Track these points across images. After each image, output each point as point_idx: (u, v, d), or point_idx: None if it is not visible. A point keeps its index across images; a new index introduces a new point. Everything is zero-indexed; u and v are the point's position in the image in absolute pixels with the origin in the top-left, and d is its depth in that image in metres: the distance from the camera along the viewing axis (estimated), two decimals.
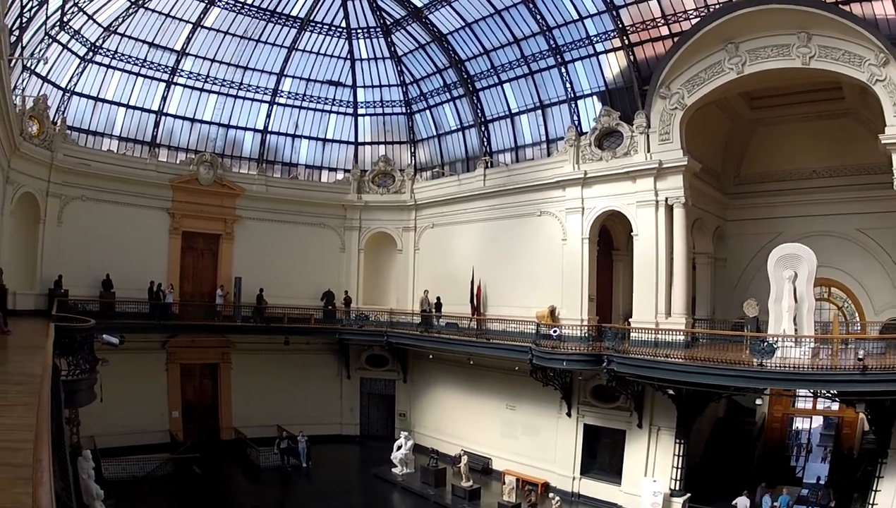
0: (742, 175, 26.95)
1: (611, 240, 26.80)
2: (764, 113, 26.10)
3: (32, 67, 25.88)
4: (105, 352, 16.71)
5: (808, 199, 24.39)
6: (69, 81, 28.25)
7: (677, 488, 20.65)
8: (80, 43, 27.72)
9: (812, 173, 24.79)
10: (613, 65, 25.37)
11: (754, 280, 24.74)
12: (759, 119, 26.36)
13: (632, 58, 24.09)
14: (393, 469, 26.84)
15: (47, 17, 24.12)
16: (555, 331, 22.80)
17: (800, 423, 26.40)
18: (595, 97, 26.08)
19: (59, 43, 26.68)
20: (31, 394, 7.25)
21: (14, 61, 22.67)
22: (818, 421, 27.30)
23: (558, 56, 26.17)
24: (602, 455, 24.23)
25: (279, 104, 33.86)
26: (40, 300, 25.67)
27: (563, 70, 26.43)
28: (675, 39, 22.30)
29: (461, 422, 28.98)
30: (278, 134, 34.49)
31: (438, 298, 29.74)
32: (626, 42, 24.01)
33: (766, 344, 16.80)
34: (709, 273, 26.09)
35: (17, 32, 21.24)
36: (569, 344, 22.23)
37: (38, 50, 25.24)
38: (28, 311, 24.04)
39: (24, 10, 21.02)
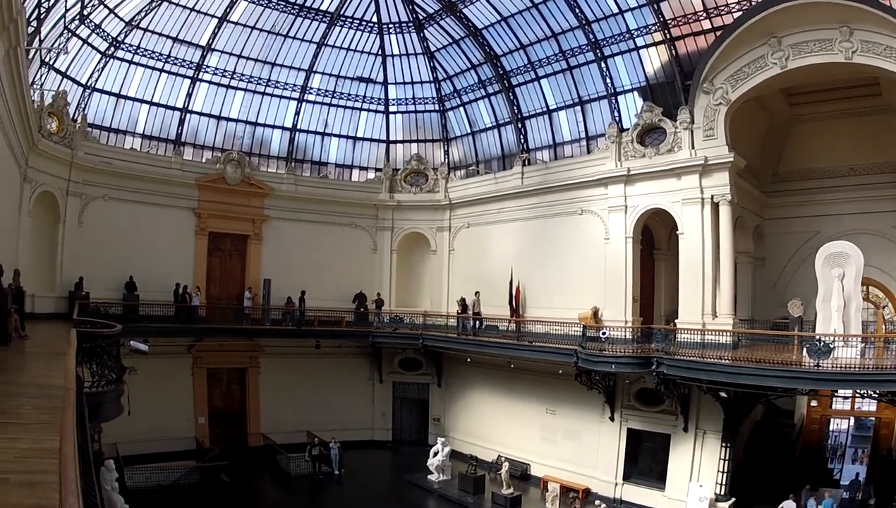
0: (780, 172, 27.71)
1: (652, 238, 27.62)
2: (802, 109, 26.93)
3: (51, 62, 26.47)
4: (131, 359, 16.73)
5: (845, 197, 25.12)
6: (90, 77, 28.98)
7: (722, 493, 21.49)
8: (101, 38, 28.37)
9: (849, 170, 25.55)
10: (654, 59, 26.28)
11: (793, 279, 25.73)
12: (797, 115, 27.17)
13: (673, 52, 24.98)
14: (429, 476, 27.40)
15: (66, 10, 24.51)
16: (603, 333, 23.55)
17: (835, 425, 26.99)
18: (636, 93, 27.00)
19: (79, 37, 27.26)
20: (51, 410, 6.98)
21: (32, 55, 22.86)
22: (847, 424, 27.88)
23: (598, 50, 27.11)
24: (644, 460, 25.04)
25: (308, 101, 34.92)
26: (60, 303, 26.29)
27: (603, 65, 27.36)
28: (718, 33, 23.22)
29: (498, 427, 29.87)
30: (307, 132, 35.58)
31: (476, 299, 30.48)
32: (668, 36, 24.92)
33: (822, 344, 17.36)
34: (749, 272, 26.83)
35: (34, 24, 21.47)
36: (615, 347, 22.94)
37: (57, 44, 25.56)
38: (47, 315, 24.53)
39: (42, 2, 21.36)
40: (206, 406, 31.22)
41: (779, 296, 25.42)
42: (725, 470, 21.71)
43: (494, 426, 30.14)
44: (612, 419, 25.46)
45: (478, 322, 29.70)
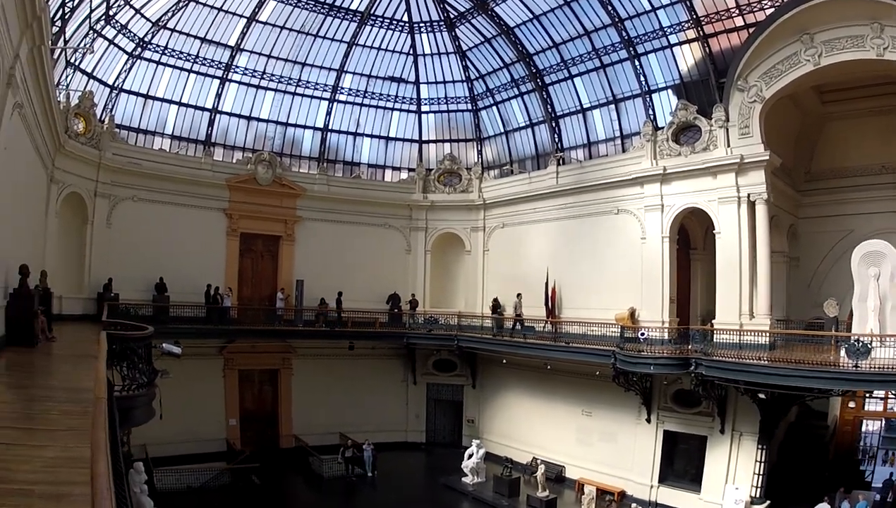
0: (812, 171, 27.84)
1: (688, 238, 27.89)
2: (834, 107, 27.01)
3: (77, 63, 26.80)
4: (163, 363, 16.63)
5: (877, 195, 25.22)
6: (116, 78, 29.54)
7: (757, 495, 21.73)
8: (128, 38, 28.90)
9: (881, 168, 25.63)
10: (688, 57, 26.55)
11: (827, 279, 25.86)
12: (829, 113, 27.26)
13: (707, 49, 25.26)
14: (463, 479, 27.76)
15: (91, 11, 24.82)
16: (642, 334, 23.88)
17: (866, 426, 26.99)
18: (670, 91, 27.31)
19: (105, 38, 27.66)
20: (80, 415, 6.87)
21: (57, 56, 23.05)
22: (879, 425, 27.83)
23: (631, 48, 27.45)
24: (679, 463, 25.36)
25: (339, 101, 35.63)
26: (88, 304, 26.79)
27: (636, 63, 27.71)
28: (751, 30, 23.43)
29: (533, 429, 30.36)
30: (339, 132, 36.29)
31: (518, 302, 30.51)
32: (701, 33, 25.20)
33: (861, 344, 17.51)
34: (784, 272, 26.92)
35: (58, 24, 21.60)
36: (653, 348, 23.25)
37: (82, 44, 25.80)
38: (75, 316, 25.05)
39: (66, 2, 21.57)
40: (237, 407, 31.84)
41: (812, 296, 25.60)
42: (761, 473, 21.97)
43: (529, 428, 30.59)
44: (648, 420, 25.77)
45: (518, 324, 29.87)
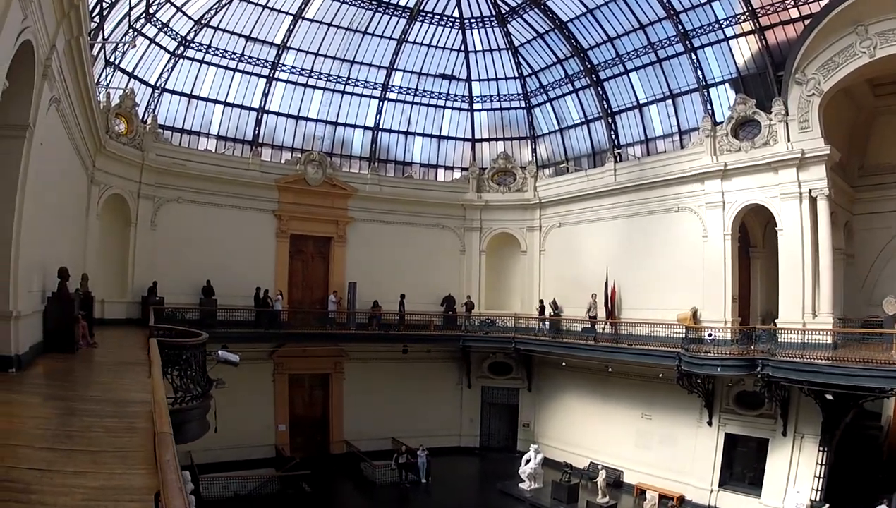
0: (865, 166, 28.43)
1: (747, 235, 28.60)
2: (887, 100, 27.64)
3: (117, 62, 27.58)
4: (217, 371, 15.94)
5: None
6: (159, 78, 30.48)
7: (818, 498, 22.36)
8: (170, 37, 29.79)
9: None
10: (745, 50, 27.45)
11: (882, 275, 26.57)
12: (882, 107, 27.90)
13: (763, 42, 26.12)
14: (520, 485, 28.47)
15: (131, 8, 25.36)
16: (710, 335, 24.72)
17: None
18: (727, 85, 28.21)
19: (146, 37, 28.47)
20: (126, 433, 6.80)
21: (97, 52, 23.56)
22: None
23: (687, 42, 28.42)
24: (738, 466, 26.08)
25: (390, 100, 37.04)
26: (132, 308, 27.68)
27: (693, 56, 28.66)
28: (806, 22, 24.27)
29: (590, 433, 31.31)
30: (390, 131, 37.67)
31: (594, 302, 31.04)
32: (757, 25, 26.10)
33: None
34: (841, 269, 27.17)
35: (97, 20, 21.87)
36: (719, 349, 23.99)
37: (122, 43, 26.33)
38: (118, 321, 25.65)
39: None
40: (287, 413, 32.72)
41: (867, 294, 26.40)
42: (822, 475, 22.63)
43: (586, 431, 31.54)
44: (709, 423, 26.56)
45: (592, 325, 30.43)
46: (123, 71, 28.66)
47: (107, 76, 27.29)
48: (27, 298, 12.89)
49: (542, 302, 33.78)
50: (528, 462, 28.78)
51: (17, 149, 11.93)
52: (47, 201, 15.82)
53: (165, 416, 6.72)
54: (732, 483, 25.71)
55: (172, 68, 30.89)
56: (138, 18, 27.21)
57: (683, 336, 25.22)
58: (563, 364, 31.81)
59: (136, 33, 27.17)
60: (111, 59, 27.25)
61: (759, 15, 25.85)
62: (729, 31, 27.31)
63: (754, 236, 28.71)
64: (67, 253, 20.10)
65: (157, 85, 30.71)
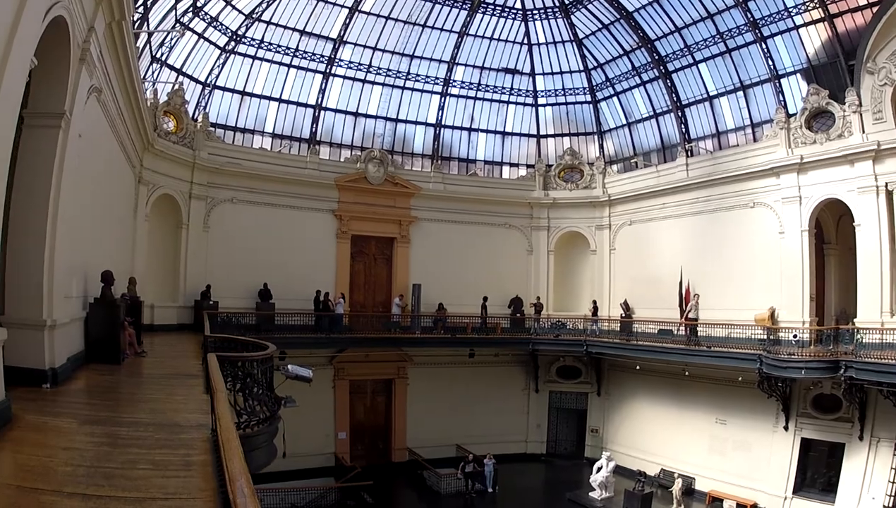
0: None
1: (821, 231, 29.06)
2: None
3: (164, 58, 28.40)
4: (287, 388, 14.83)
5: None
6: (209, 74, 31.43)
7: (892, 505, 22.89)
8: (220, 32, 30.66)
9: None
10: (815, 38, 28.18)
11: None
12: None
13: (833, 30, 26.87)
14: (590, 493, 29.23)
15: (177, 2, 26.27)
16: (795, 336, 25.26)
17: None
18: (799, 75, 29.00)
19: (194, 31, 29.35)
20: (181, 470, 6.37)
21: (142, 45, 23.95)
22: None
23: (756, 31, 29.28)
24: (811, 471, 26.61)
25: (452, 95, 38.39)
26: (183, 313, 28.45)
27: (763, 46, 29.49)
28: (875, 9, 24.87)
29: (661, 439, 32.05)
30: (452, 127, 39.00)
31: (695, 303, 30.89)
32: (826, 13, 26.86)
33: None
34: None
35: (141, 10, 22.35)
36: (802, 350, 24.46)
37: (168, 37, 27.39)
38: (169, 326, 26.45)
39: None
40: (347, 420, 33.64)
41: None
42: None
43: (657, 437, 32.30)
44: (786, 428, 27.14)
45: (689, 329, 30.17)
46: (171, 67, 29.62)
47: (153, 72, 28.18)
48: (65, 305, 12.59)
49: (594, 303, 35.22)
50: (599, 469, 29.39)
51: (52, 140, 11.58)
52: (89, 200, 15.91)
53: (231, 431, 5.78)
54: (806, 490, 26.22)
55: (223, 64, 31.91)
56: (185, 12, 28.20)
57: (765, 337, 25.86)
58: (638, 367, 32.48)
59: (183, 28, 28.22)
60: (157, 55, 28.11)
61: (827, 2, 26.54)
62: (798, 20, 28.07)
63: (828, 232, 29.18)
64: (113, 255, 20.36)
65: (208, 82, 31.76)
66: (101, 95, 15.96)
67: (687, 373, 30.09)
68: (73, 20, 11.42)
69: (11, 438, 7.20)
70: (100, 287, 15.19)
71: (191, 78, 31.02)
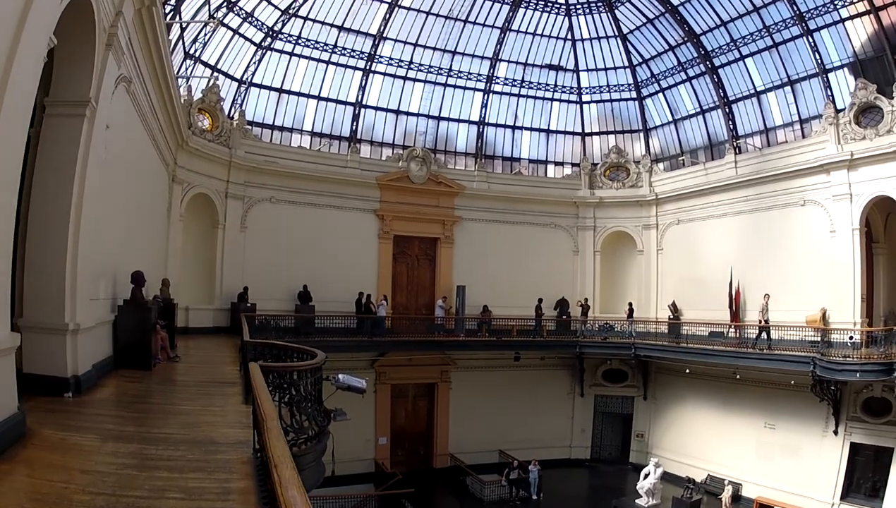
0: None
1: (869, 230, 29.03)
2: None
3: (197, 54, 28.68)
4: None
5: None
6: (245, 71, 31.84)
7: None
8: (255, 27, 31.09)
9: None
10: (861, 32, 28.36)
11: None
12: None
13: (879, 23, 27.12)
14: (637, 501, 29.16)
15: None
16: (851, 338, 25.46)
17: None
18: (846, 69, 29.25)
19: (229, 27, 29.73)
20: (218, 500, 5.98)
21: (175, 39, 24.02)
22: None
23: (803, 24, 29.57)
24: (860, 477, 26.75)
25: (495, 92, 39.08)
26: (219, 316, 28.87)
27: (810, 39, 29.78)
28: None
29: (707, 444, 32.38)
30: (496, 125, 39.63)
31: (766, 304, 29.95)
32: (871, 5, 27.10)
33: None
34: None
35: (173, 2, 22.67)
36: (849, 352, 24.73)
37: (203, 34, 27.64)
38: (204, 329, 26.67)
39: None
40: (388, 425, 34.09)
41: None
42: None
43: (704, 442, 32.58)
44: (835, 432, 27.34)
45: (765, 333, 29.35)
46: (205, 64, 30.10)
47: (187, 68, 28.48)
48: (90, 307, 12.25)
49: (630, 304, 35.70)
50: (646, 476, 29.46)
51: (75, 131, 11.14)
52: (119, 197, 15.66)
53: (288, 476, 4.53)
54: (854, 496, 26.42)
55: (259, 61, 32.45)
56: (219, 7, 28.61)
57: (818, 339, 26.10)
58: (688, 371, 32.76)
59: (217, 21, 28.42)
60: (191, 52, 28.51)
61: None
62: (844, 13, 28.27)
63: (876, 230, 29.24)
64: (146, 256, 20.21)
65: (244, 79, 32.27)
66: (131, 87, 15.90)
67: (738, 377, 30.26)
68: (99, 5, 11.32)
69: (25, 458, 6.81)
70: (130, 289, 15.07)
71: (226, 75, 31.57)
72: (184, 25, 26.10)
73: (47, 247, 10.66)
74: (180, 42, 26.60)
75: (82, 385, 10.85)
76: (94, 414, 9.49)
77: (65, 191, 10.86)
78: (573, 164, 40.10)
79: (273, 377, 9.89)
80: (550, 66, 38.86)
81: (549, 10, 36.69)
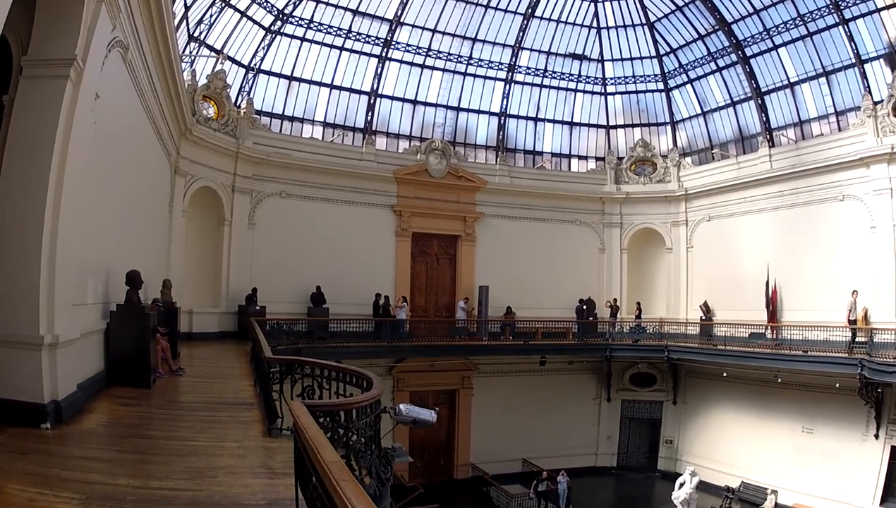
0: None
1: None
2: None
3: (202, 37, 28.38)
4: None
5: None
6: (253, 57, 31.77)
7: None
8: (265, 9, 30.92)
9: None
10: None
11: None
12: None
13: None
14: None
15: None
16: None
17: None
18: (882, 60, 29.99)
19: (236, 9, 29.43)
20: None
21: (178, 20, 23.31)
22: None
23: (838, 13, 30.34)
24: (889, 480, 27.46)
25: (517, 82, 39.66)
26: (226, 320, 28.69)
27: (846, 29, 30.53)
28: None
29: (741, 449, 32.86)
30: (518, 117, 40.17)
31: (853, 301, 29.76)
32: None
33: None
34: None
35: None
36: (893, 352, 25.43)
37: (208, 15, 27.29)
38: (209, 334, 26.30)
39: None
40: (407, 434, 32.67)
41: None
42: None
43: (737, 448, 33.04)
44: (876, 436, 27.92)
45: (853, 333, 28.94)
46: (211, 48, 29.89)
47: (191, 52, 28.25)
48: (74, 315, 10.85)
49: (638, 304, 36.53)
50: (681, 485, 29.71)
51: (56, 95, 9.74)
52: (113, 187, 14.46)
53: None
54: (891, 500, 27.04)
55: (269, 46, 32.42)
56: None
57: (864, 339, 26.75)
58: (725, 374, 33.17)
59: (223, 5, 28.60)
60: (195, 33, 28.22)
61: None
62: (879, 2, 28.96)
63: None
64: (145, 254, 19.22)
65: (252, 65, 32.23)
66: (128, 54, 14.52)
67: (780, 380, 30.57)
68: None
69: None
70: (125, 291, 13.82)
71: (233, 60, 31.49)
72: (188, 3, 26.11)
73: (17, 240, 9.40)
74: (184, 22, 26.43)
75: (64, 412, 9.47)
76: (77, 457, 7.88)
77: (41, 169, 9.46)
78: (597, 158, 40.71)
79: (322, 418, 7.11)
80: (574, 56, 39.43)
81: None
